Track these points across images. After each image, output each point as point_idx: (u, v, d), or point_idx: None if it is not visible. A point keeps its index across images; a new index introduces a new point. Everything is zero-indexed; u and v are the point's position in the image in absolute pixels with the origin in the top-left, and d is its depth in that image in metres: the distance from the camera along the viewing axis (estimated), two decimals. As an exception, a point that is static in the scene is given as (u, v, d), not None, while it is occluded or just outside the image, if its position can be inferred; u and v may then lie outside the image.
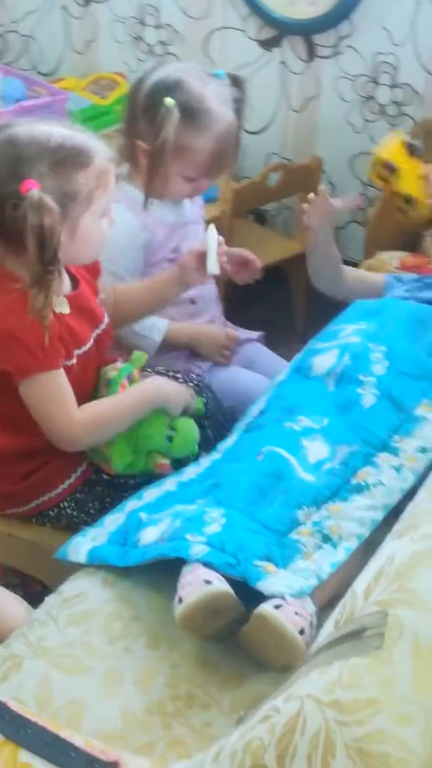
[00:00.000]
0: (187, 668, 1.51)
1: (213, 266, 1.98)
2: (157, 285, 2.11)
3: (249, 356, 2.39)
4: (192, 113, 2.10)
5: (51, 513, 1.94)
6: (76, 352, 1.83)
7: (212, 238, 2.00)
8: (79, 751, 1.19)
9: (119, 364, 1.92)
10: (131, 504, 1.80)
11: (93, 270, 1.94)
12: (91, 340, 1.88)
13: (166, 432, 1.88)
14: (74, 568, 1.70)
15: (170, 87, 2.11)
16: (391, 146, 2.06)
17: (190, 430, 1.92)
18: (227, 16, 3.28)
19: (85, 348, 1.86)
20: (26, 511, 1.95)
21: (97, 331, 1.90)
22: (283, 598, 1.49)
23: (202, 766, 1.08)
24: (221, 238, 2.02)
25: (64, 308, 1.81)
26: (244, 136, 2.49)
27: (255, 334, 2.46)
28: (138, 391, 1.89)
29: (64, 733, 1.21)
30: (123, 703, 1.44)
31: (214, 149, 2.13)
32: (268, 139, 3.37)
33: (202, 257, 2.01)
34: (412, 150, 2.05)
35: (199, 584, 1.50)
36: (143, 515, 1.73)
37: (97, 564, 1.68)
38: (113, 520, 1.77)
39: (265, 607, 1.47)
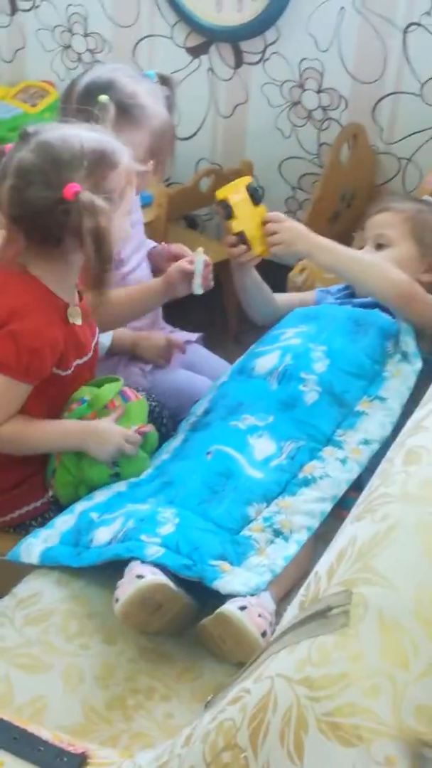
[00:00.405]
0: (145, 662, 1.53)
1: (197, 288, 2.11)
2: (140, 295, 2.19)
3: (189, 358, 2.40)
4: (126, 109, 2.10)
5: (34, 523, 1.92)
6: (77, 362, 1.85)
7: (200, 260, 2.10)
8: (48, 744, 1.20)
9: (74, 406, 1.89)
10: (81, 504, 1.81)
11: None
12: (91, 350, 1.91)
13: (108, 471, 1.86)
14: (25, 573, 1.71)
15: (103, 87, 2.11)
16: (231, 188, 2.14)
17: (137, 464, 1.89)
18: (155, 23, 3.31)
19: (86, 358, 1.89)
20: (7, 521, 1.93)
21: (94, 341, 1.93)
22: (244, 597, 1.51)
23: (173, 750, 1.10)
24: (208, 260, 2.11)
25: (78, 319, 1.84)
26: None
27: (194, 336, 2.48)
28: (67, 430, 1.86)
29: (32, 728, 1.22)
30: (84, 698, 1.45)
31: (151, 145, 2.15)
32: (197, 144, 3.40)
33: (187, 275, 2.10)
34: (253, 195, 2.13)
35: (131, 580, 1.51)
36: (94, 515, 1.74)
37: (49, 565, 1.69)
38: (64, 521, 1.78)
39: (230, 608, 1.49)
